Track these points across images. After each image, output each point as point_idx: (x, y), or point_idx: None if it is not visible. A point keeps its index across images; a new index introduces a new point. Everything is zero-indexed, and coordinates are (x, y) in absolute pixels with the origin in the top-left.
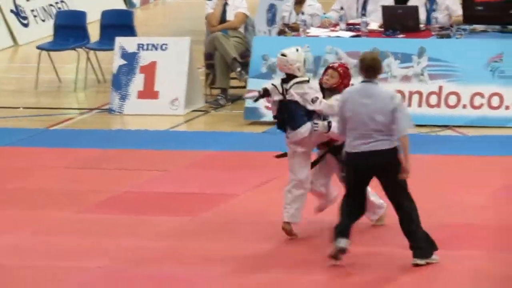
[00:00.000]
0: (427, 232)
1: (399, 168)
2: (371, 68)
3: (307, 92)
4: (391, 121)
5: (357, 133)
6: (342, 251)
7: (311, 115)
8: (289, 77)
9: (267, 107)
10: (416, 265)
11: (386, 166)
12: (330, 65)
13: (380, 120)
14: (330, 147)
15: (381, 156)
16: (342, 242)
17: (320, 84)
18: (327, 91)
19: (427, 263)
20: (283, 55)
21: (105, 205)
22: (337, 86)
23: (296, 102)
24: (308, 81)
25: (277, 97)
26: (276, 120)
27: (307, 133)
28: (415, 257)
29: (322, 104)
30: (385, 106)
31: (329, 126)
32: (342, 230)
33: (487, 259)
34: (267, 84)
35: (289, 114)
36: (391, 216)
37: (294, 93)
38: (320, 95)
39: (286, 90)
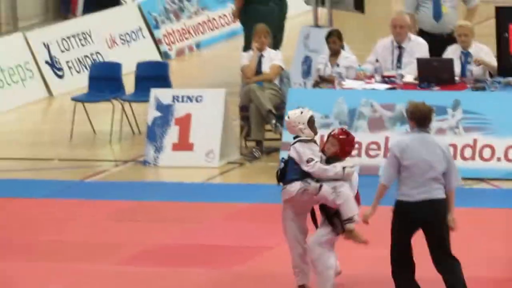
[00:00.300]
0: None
1: (447, 220)
2: (427, 118)
3: (306, 152)
4: (445, 171)
5: (415, 181)
6: None
7: (306, 176)
8: (296, 138)
9: None
10: None
11: (439, 216)
12: (332, 133)
13: (439, 169)
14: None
15: (437, 204)
16: None
17: (323, 151)
18: (331, 159)
19: None
20: (288, 117)
21: (140, 258)
22: (338, 154)
23: (293, 159)
24: (312, 141)
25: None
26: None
27: (295, 192)
28: None
29: (316, 167)
30: (443, 155)
31: (320, 188)
32: None
33: None
34: None
35: (284, 170)
36: None
37: (294, 151)
38: (317, 158)
39: (290, 146)
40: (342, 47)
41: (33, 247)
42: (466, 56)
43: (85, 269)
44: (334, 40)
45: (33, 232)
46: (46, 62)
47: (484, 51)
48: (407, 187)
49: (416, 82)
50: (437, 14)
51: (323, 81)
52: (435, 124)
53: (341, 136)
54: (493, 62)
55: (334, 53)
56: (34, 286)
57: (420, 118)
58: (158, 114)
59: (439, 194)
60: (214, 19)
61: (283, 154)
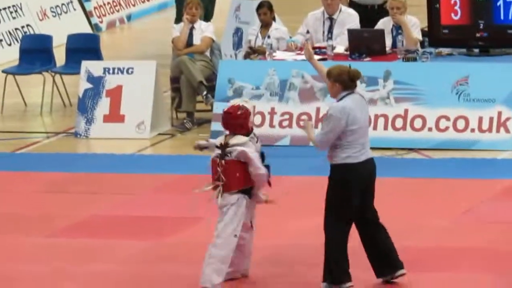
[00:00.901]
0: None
1: None
2: (356, 78)
3: None
4: None
5: (364, 142)
6: None
7: None
8: None
9: None
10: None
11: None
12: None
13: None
14: None
15: (374, 163)
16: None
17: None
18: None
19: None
20: None
21: (71, 230)
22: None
23: None
24: None
25: None
26: None
27: None
28: (402, 268)
29: None
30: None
31: None
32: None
33: (452, 281)
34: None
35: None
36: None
37: None
38: None
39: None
40: (274, 19)
41: None
42: (397, 29)
43: (16, 241)
44: (265, 11)
45: None
46: None
47: (412, 23)
48: (356, 149)
49: (347, 53)
50: None
51: (254, 52)
52: (366, 94)
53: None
54: (415, 33)
55: (265, 25)
56: None
57: (352, 79)
58: (89, 86)
59: (370, 153)
60: None
61: (215, 126)
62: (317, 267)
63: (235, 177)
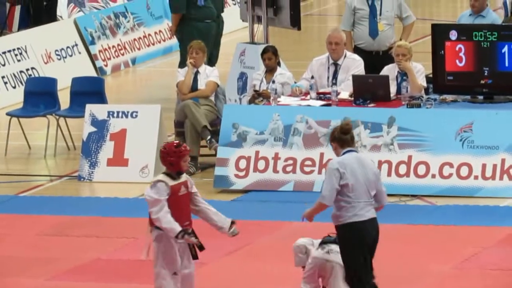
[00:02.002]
0: None
1: None
2: (347, 130)
3: None
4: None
5: (363, 201)
6: None
7: None
8: None
9: (236, 175)
10: None
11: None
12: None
13: (375, 188)
14: None
15: (376, 223)
16: None
17: None
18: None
19: None
20: None
21: (75, 273)
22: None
23: None
24: None
25: None
26: None
27: None
28: None
29: None
30: (376, 175)
31: None
32: None
33: None
34: None
35: None
36: None
37: None
38: None
39: None
40: (279, 64)
41: None
42: (402, 76)
43: (18, 284)
44: (270, 56)
45: None
46: None
47: (417, 69)
48: (357, 208)
49: (351, 98)
50: (374, 32)
51: (259, 96)
52: (370, 140)
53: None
54: (419, 79)
55: (270, 70)
56: None
57: (351, 138)
58: (93, 129)
59: (374, 213)
60: (150, 35)
61: (218, 170)
62: None
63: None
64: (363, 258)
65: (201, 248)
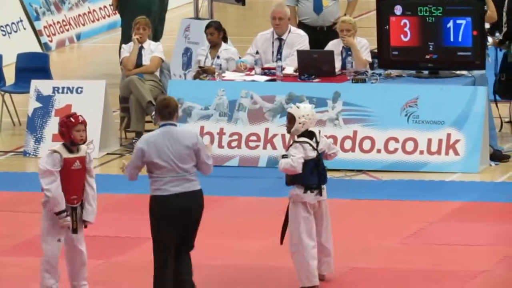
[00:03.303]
0: None
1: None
2: (169, 109)
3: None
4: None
5: (169, 176)
6: None
7: None
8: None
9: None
10: None
11: (196, 208)
12: None
13: (191, 161)
14: None
15: (191, 197)
16: None
17: None
18: None
19: None
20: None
21: (22, 248)
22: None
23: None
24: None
25: (312, 154)
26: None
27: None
28: None
29: None
30: (190, 148)
31: None
32: None
33: None
34: None
35: (323, 168)
36: None
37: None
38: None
39: (318, 143)
40: (225, 40)
41: None
42: (347, 51)
43: None
44: (212, 31)
45: None
46: None
47: (361, 44)
48: (161, 182)
49: (296, 74)
50: (318, 7)
51: (204, 72)
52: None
53: None
54: (364, 54)
55: (214, 45)
56: None
57: (162, 110)
58: (38, 105)
59: (197, 185)
60: (94, 10)
61: None
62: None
63: None
64: (164, 229)
65: (75, 231)
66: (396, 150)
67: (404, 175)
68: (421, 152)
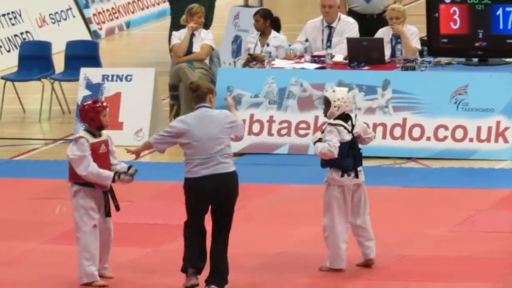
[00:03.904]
0: None
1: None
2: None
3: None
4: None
5: (201, 158)
6: None
7: None
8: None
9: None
10: None
11: (228, 190)
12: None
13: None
14: None
15: (224, 178)
16: None
17: None
18: None
19: None
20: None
21: (70, 236)
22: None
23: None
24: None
25: (347, 137)
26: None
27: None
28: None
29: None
30: (224, 128)
31: None
32: None
33: None
34: None
35: (359, 151)
36: None
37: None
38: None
39: (353, 126)
40: (275, 28)
41: None
42: (396, 39)
43: (13, 248)
44: (257, 18)
45: None
46: None
47: (411, 32)
48: (192, 164)
49: (346, 61)
50: None
51: (253, 59)
52: (364, 103)
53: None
54: (414, 42)
55: (262, 33)
56: None
57: (192, 94)
58: (87, 93)
59: (227, 167)
60: None
61: None
62: (308, 275)
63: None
64: (197, 209)
65: (108, 214)
66: (445, 137)
67: (453, 162)
68: (471, 140)
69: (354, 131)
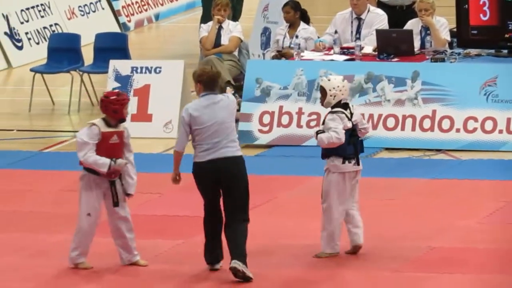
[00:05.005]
0: None
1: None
2: (214, 80)
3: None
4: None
5: (207, 143)
6: None
7: None
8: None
9: (260, 131)
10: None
11: (235, 172)
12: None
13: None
14: None
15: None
16: None
17: None
18: None
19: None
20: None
21: (99, 228)
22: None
23: None
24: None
25: (349, 124)
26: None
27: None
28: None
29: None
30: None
31: None
32: None
33: (477, 282)
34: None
35: (358, 139)
36: None
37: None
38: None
39: (352, 115)
40: (304, 20)
41: None
42: (426, 30)
43: (42, 239)
44: (287, 10)
45: None
46: (5, 34)
47: (440, 23)
48: (200, 149)
49: (375, 53)
50: None
51: (282, 56)
52: (394, 95)
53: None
54: (443, 34)
55: (292, 25)
56: None
57: (207, 81)
58: (116, 85)
59: (233, 152)
60: None
61: (242, 125)
62: (336, 266)
63: None
64: (206, 193)
65: (116, 205)
66: (475, 129)
67: (482, 154)
68: (500, 131)
69: (353, 119)
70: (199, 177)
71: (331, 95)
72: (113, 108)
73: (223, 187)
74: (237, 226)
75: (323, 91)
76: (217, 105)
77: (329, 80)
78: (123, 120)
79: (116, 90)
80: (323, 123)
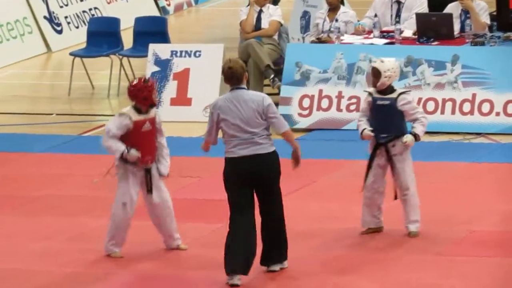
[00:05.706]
0: None
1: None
2: (234, 76)
3: None
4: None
5: (236, 139)
6: None
7: None
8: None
9: (300, 114)
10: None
11: (266, 169)
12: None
13: (258, 126)
14: None
15: (260, 159)
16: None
17: None
18: None
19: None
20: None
21: (139, 212)
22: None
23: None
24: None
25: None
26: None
27: None
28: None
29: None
30: (255, 111)
31: None
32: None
33: None
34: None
35: None
36: None
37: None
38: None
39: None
40: (342, 3)
41: (32, 202)
42: (466, 14)
43: (85, 223)
44: None
45: (32, 187)
46: (45, 17)
47: (480, 7)
48: (230, 145)
49: (415, 37)
50: None
51: (321, 43)
52: (433, 78)
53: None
54: (483, 17)
55: (333, 8)
56: (35, 240)
57: (227, 77)
58: (156, 69)
59: (263, 149)
60: None
61: (282, 109)
62: (378, 250)
63: None
64: (236, 190)
65: (150, 191)
66: None
67: None
68: None
69: None
70: (233, 173)
71: (385, 77)
72: (142, 95)
73: (256, 185)
74: (277, 219)
75: (377, 73)
76: (246, 102)
77: (383, 61)
78: (153, 105)
79: (142, 77)
80: (396, 103)
